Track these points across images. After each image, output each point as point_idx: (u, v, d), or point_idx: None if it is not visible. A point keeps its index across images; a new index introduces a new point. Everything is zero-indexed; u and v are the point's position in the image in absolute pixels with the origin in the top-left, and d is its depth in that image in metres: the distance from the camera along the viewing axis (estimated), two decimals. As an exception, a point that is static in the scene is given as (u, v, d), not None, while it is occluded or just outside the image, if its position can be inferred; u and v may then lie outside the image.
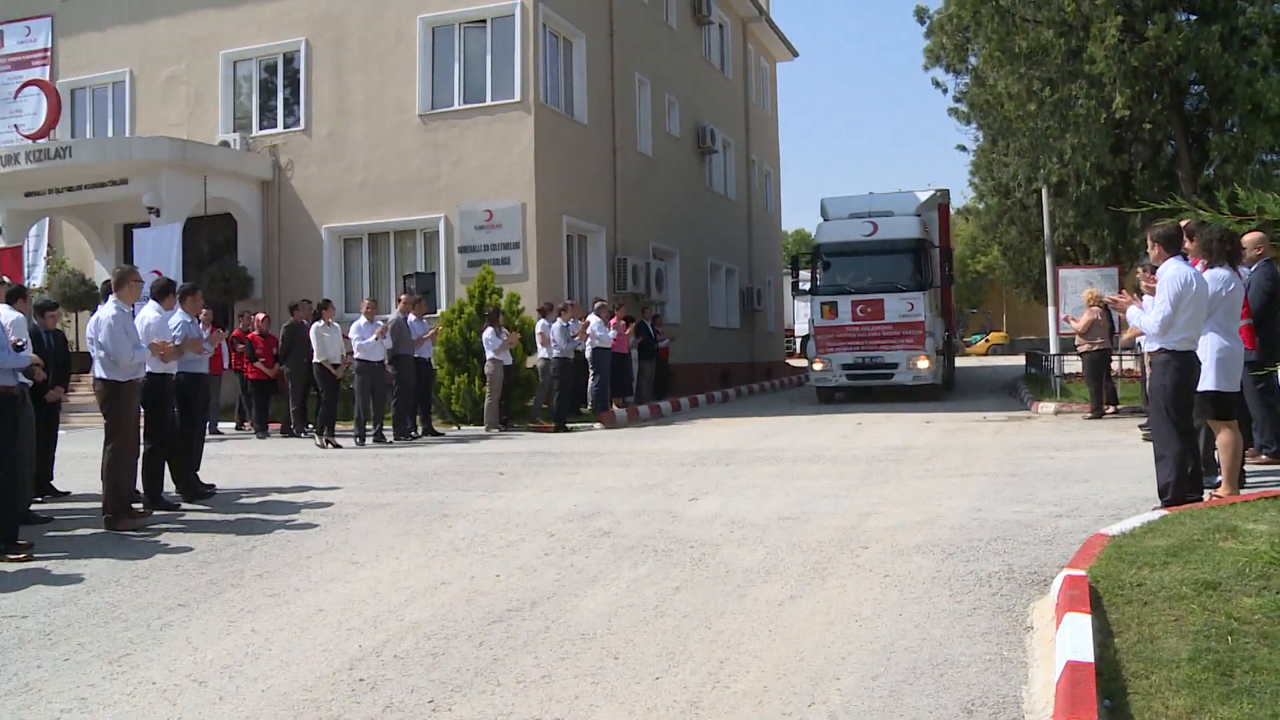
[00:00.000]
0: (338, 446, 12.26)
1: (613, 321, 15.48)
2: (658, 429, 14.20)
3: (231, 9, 19.09)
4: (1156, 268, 6.40)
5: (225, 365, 14.42)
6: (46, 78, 20.46)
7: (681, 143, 23.48)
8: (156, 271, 12.54)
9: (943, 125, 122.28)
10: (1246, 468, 7.11)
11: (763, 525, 6.51)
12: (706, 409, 17.94)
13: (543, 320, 14.37)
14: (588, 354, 15.10)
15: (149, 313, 8.00)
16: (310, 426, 13.77)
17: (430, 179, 17.51)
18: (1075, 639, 3.49)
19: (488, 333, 13.92)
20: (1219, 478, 6.63)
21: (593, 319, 15.00)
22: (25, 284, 10.88)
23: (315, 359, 12.83)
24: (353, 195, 18.10)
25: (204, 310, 12.02)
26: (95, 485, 7.74)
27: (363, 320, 12.81)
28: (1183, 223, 6.37)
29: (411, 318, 13.36)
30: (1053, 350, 17.99)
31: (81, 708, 3.76)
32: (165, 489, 8.14)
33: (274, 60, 19.07)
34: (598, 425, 14.55)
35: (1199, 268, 6.40)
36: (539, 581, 5.30)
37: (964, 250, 50.48)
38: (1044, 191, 20.31)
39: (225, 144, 18.44)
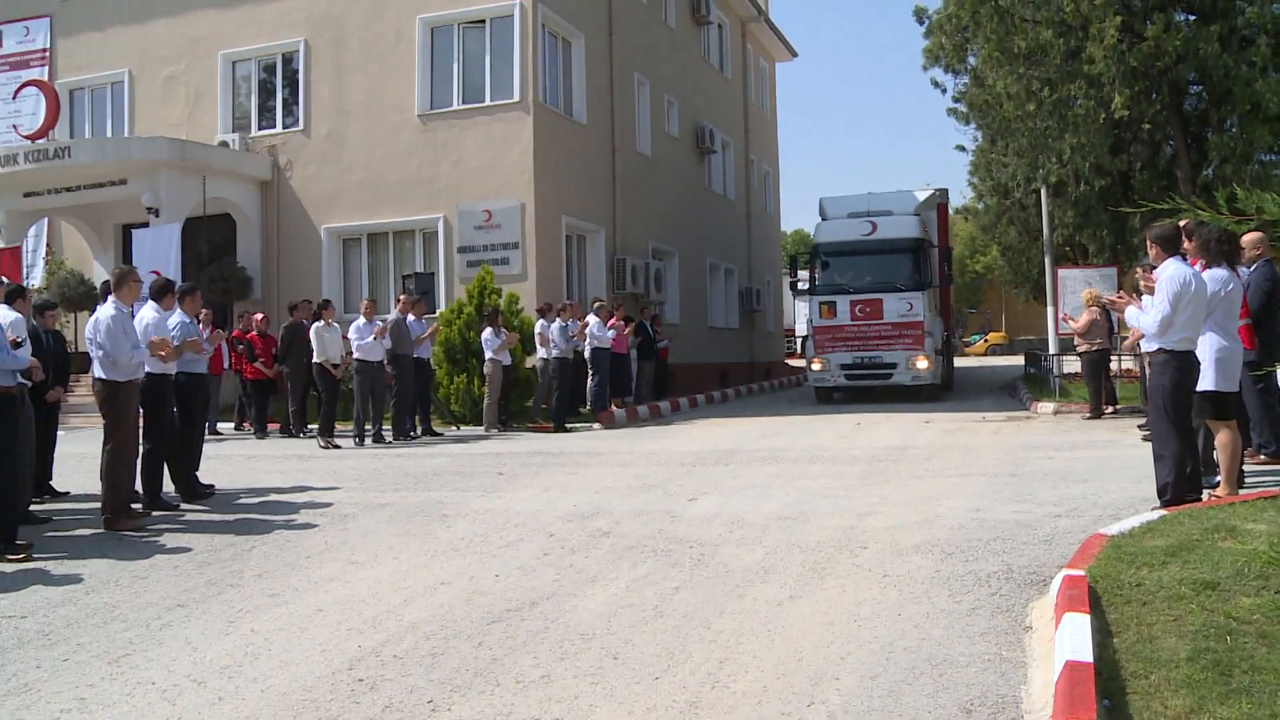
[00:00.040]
0: (336, 447, 12.26)
1: (612, 322, 15.48)
2: (657, 429, 14.20)
3: (231, 9, 19.09)
4: (1155, 268, 6.41)
5: (225, 365, 14.43)
6: (45, 78, 20.46)
7: (680, 143, 23.49)
8: (155, 272, 12.53)
9: (942, 125, 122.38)
10: (1245, 467, 7.12)
11: (762, 525, 6.51)
12: (705, 409, 17.94)
13: (542, 320, 14.37)
14: (587, 354, 15.10)
15: (148, 313, 8.00)
16: (312, 427, 13.77)
17: (429, 179, 17.51)
18: (1074, 639, 3.49)
19: (487, 333, 13.92)
20: (1218, 478, 6.64)
21: (592, 319, 15.00)
22: (24, 284, 10.86)
23: (315, 359, 12.82)
24: (352, 195, 18.09)
25: (204, 310, 12.03)
26: (94, 485, 7.74)
27: (361, 320, 12.81)
28: (1181, 223, 6.37)
29: (410, 318, 13.36)
30: (1052, 350, 18.00)
31: (81, 708, 3.76)
32: (164, 489, 8.14)
33: (273, 60, 19.07)
34: (597, 425, 14.55)
35: (1197, 268, 6.40)
36: (538, 581, 5.30)
37: (963, 250, 50.50)
38: (1043, 191, 20.33)
39: (224, 144, 18.44)
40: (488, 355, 13.89)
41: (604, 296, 17.61)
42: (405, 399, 13.16)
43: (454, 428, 14.50)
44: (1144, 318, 6.26)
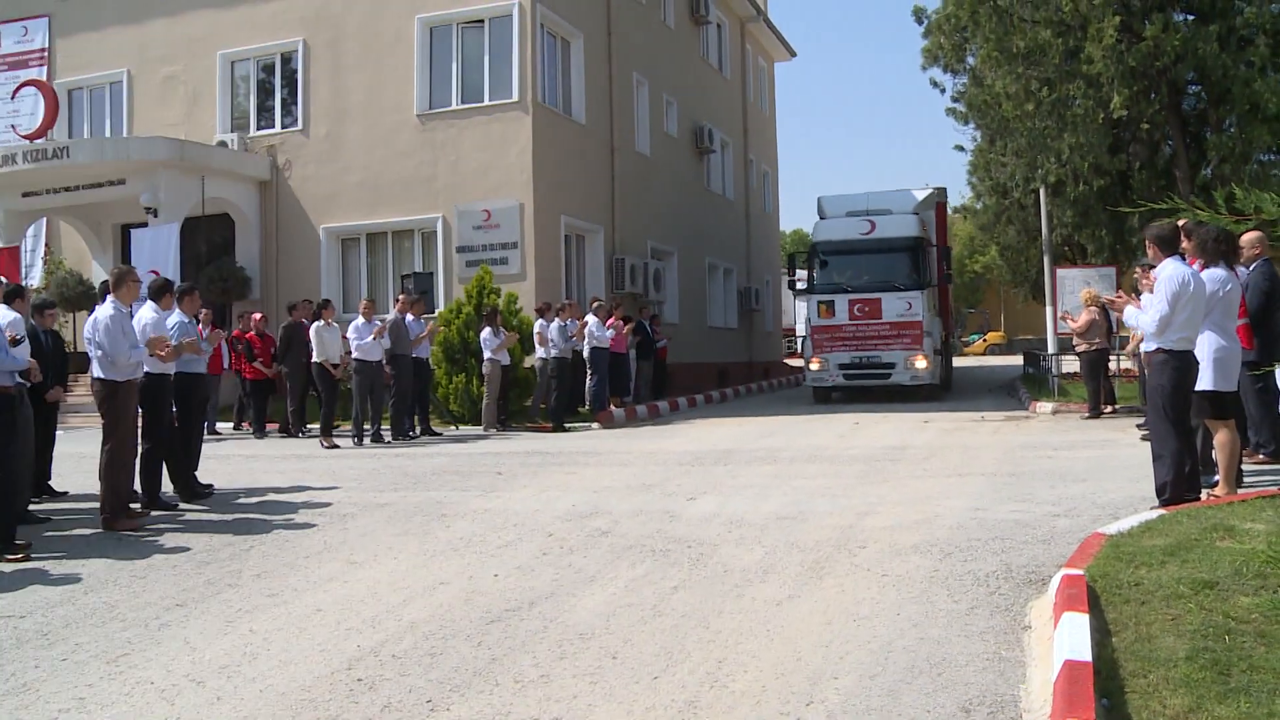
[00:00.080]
0: (336, 447, 12.26)
1: (610, 321, 15.48)
2: (655, 429, 14.20)
3: (229, 9, 19.07)
4: (1154, 267, 6.41)
5: (225, 365, 14.42)
6: (44, 78, 20.44)
7: (679, 142, 23.48)
8: (154, 272, 12.52)
9: (941, 125, 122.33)
10: (1243, 467, 7.12)
11: (761, 525, 6.51)
12: (704, 409, 17.94)
13: (540, 320, 14.37)
14: (585, 354, 15.10)
15: (146, 313, 7.99)
16: (311, 427, 13.77)
17: (428, 179, 17.51)
18: (1073, 638, 3.50)
19: (485, 332, 13.91)
20: (1216, 477, 6.64)
21: (590, 319, 14.99)
22: (23, 284, 10.85)
23: (315, 358, 12.82)
24: (350, 195, 18.09)
25: (204, 310, 12.03)
26: (93, 485, 7.73)
27: (360, 320, 12.81)
28: (1180, 222, 6.37)
29: (409, 317, 13.36)
30: (1050, 350, 17.99)
31: (79, 708, 3.76)
32: (163, 489, 8.13)
33: (272, 60, 19.06)
34: (595, 425, 14.55)
35: (1196, 267, 6.41)
36: (537, 581, 5.30)
37: (962, 250, 50.52)
38: (1042, 191, 20.31)
39: (223, 144, 18.43)
40: (486, 355, 13.89)
41: (603, 296, 17.61)
42: (404, 399, 13.16)
43: (453, 427, 14.50)
44: (1143, 317, 6.26)
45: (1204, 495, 6.30)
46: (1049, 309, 18.34)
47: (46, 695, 3.90)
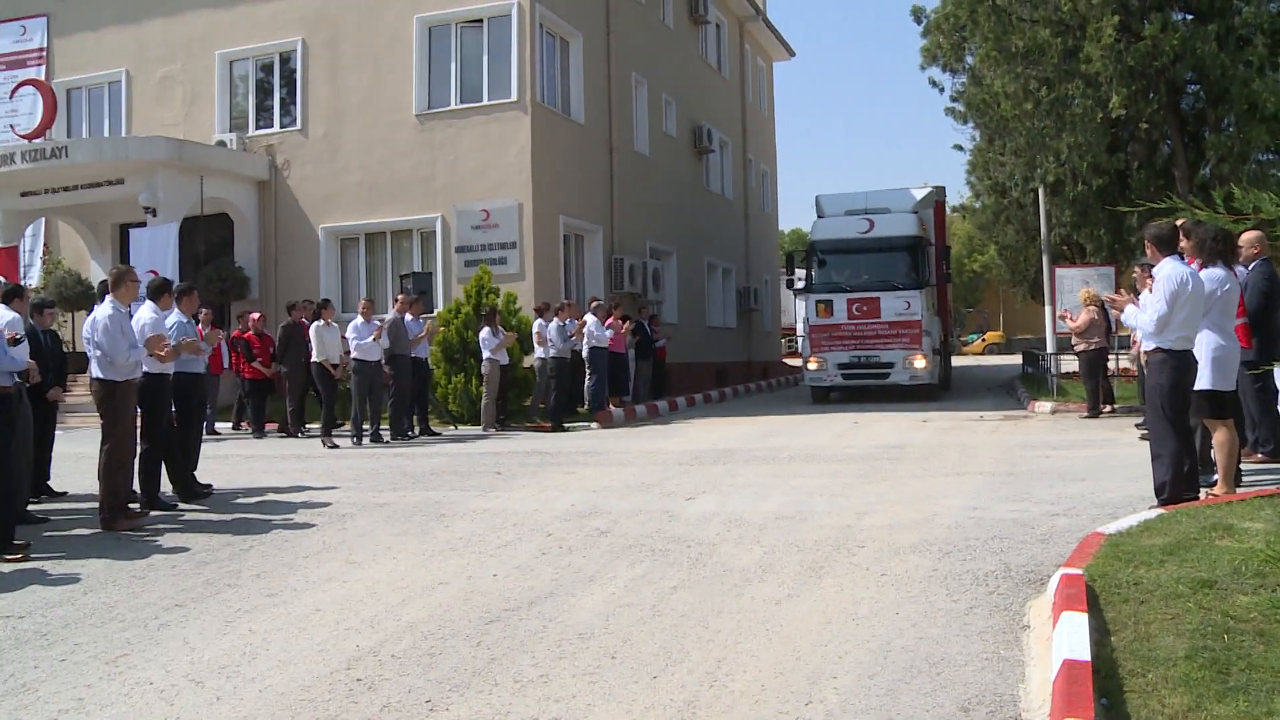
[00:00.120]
0: (336, 446, 12.26)
1: (609, 321, 15.48)
2: (654, 428, 14.20)
3: (227, 9, 19.07)
4: (1153, 267, 6.41)
5: (225, 365, 14.42)
6: (42, 77, 20.43)
7: (678, 142, 23.48)
8: (153, 271, 12.51)
9: (939, 124, 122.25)
10: (1242, 466, 7.13)
11: (760, 524, 6.51)
12: (703, 408, 17.95)
13: (539, 320, 14.37)
14: (584, 353, 15.10)
15: (145, 313, 7.99)
16: (310, 427, 13.77)
17: (427, 179, 17.50)
18: (1072, 637, 3.50)
19: (484, 332, 13.91)
20: (1215, 476, 6.65)
21: (589, 318, 14.99)
22: (21, 284, 10.85)
23: (315, 358, 12.82)
24: (349, 195, 18.08)
25: (204, 310, 12.03)
26: (92, 485, 7.73)
27: (359, 320, 12.80)
28: (1178, 222, 6.38)
29: (408, 317, 13.35)
30: (1049, 349, 18.00)
31: (79, 708, 3.76)
32: (162, 489, 8.13)
33: (270, 60, 19.05)
34: (594, 425, 14.55)
35: (1194, 267, 6.41)
36: (536, 581, 5.30)
37: (961, 249, 50.51)
38: (1040, 191, 20.33)
39: (221, 144, 18.43)
40: (485, 355, 13.89)
41: (601, 296, 17.61)
42: (403, 399, 13.15)
43: (452, 427, 14.50)
44: (1141, 316, 6.27)
45: (1203, 494, 6.30)
46: (1048, 308, 18.36)
47: (46, 696, 3.90)
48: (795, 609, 4.63)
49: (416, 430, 13.48)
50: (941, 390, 18.63)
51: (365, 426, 12.75)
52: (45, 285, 18.57)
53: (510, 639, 4.35)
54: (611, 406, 15.29)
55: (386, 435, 12.96)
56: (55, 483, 8.82)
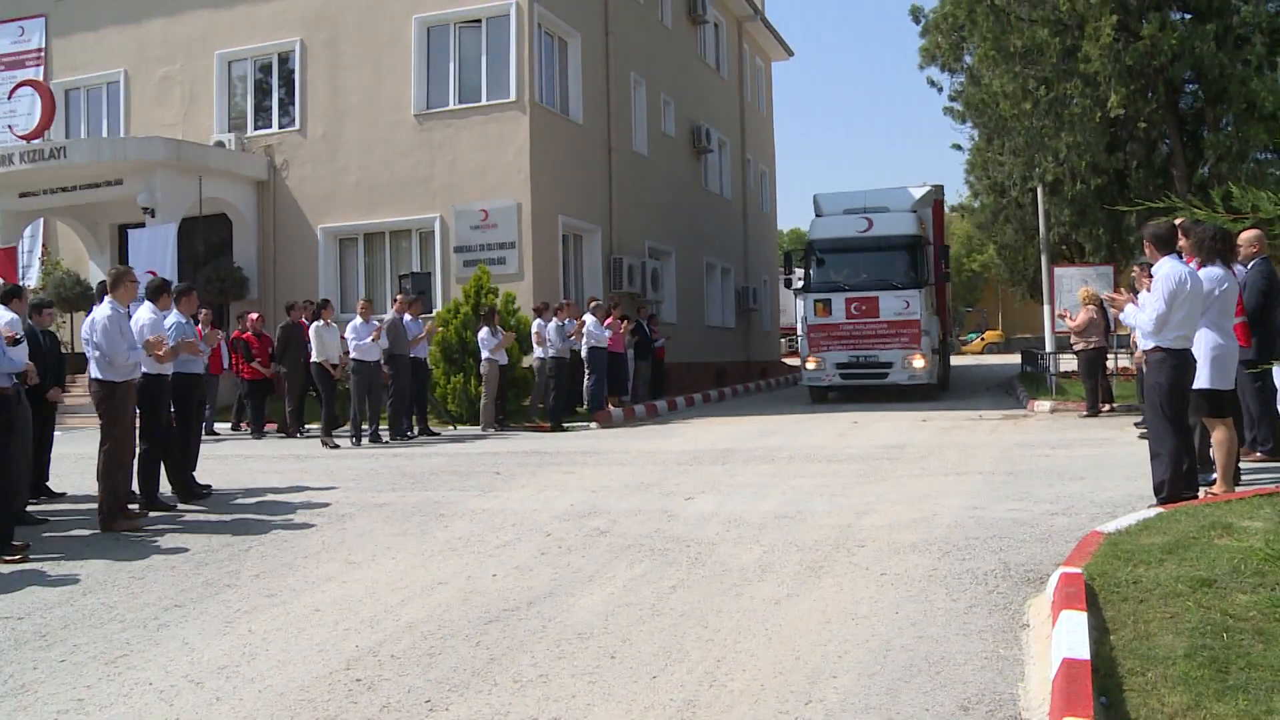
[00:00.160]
0: (336, 447, 12.26)
1: (608, 321, 15.48)
2: (653, 428, 14.19)
3: (226, 9, 19.06)
4: (1152, 266, 6.42)
5: (224, 365, 14.42)
6: (41, 78, 20.42)
7: (677, 142, 23.49)
8: (152, 272, 12.51)
9: (938, 124, 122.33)
10: (1241, 465, 7.13)
11: (759, 524, 6.51)
12: (702, 408, 17.94)
13: (538, 320, 14.37)
14: (583, 353, 15.10)
15: (144, 313, 7.99)
16: (310, 427, 13.76)
17: (425, 179, 17.50)
18: (1071, 636, 3.50)
19: (483, 332, 13.91)
20: (1214, 475, 6.65)
21: (588, 318, 14.99)
22: (20, 285, 10.84)
23: (314, 358, 12.82)
24: (348, 195, 18.08)
25: (204, 310, 12.03)
26: (91, 486, 7.72)
27: (358, 320, 12.80)
28: (1177, 221, 6.38)
29: (407, 317, 13.35)
30: (1048, 348, 18.00)
31: (78, 709, 3.76)
32: (161, 489, 8.13)
33: (269, 60, 19.05)
34: (593, 425, 14.55)
35: (1193, 266, 6.42)
36: (535, 581, 5.30)
37: (960, 248, 50.54)
38: (1039, 190, 20.33)
39: (220, 144, 18.42)
40: (484, 355, 13.88)
41: (600, 296, 17.60)
42: (402, 399, 13.15)
43: (451, 427, 14.49)
44: (1140, 316, 6.27)
45: (1202, 493, 6.31)
46: (1047, 307, 18.36)
47: (45, 696, 3.89)
48: (795, 608, 4.63)
49: (415, 430, 13.48)
50: (940, 390, 18.62)
51: (364, 427, 12.75)
52: (44, 286, 18.57)
53: (509, 639, 4.35)
54: (610, 406, 15.29)
55: (385, 435, 12.95)
56: (54, 483, 8.81)
